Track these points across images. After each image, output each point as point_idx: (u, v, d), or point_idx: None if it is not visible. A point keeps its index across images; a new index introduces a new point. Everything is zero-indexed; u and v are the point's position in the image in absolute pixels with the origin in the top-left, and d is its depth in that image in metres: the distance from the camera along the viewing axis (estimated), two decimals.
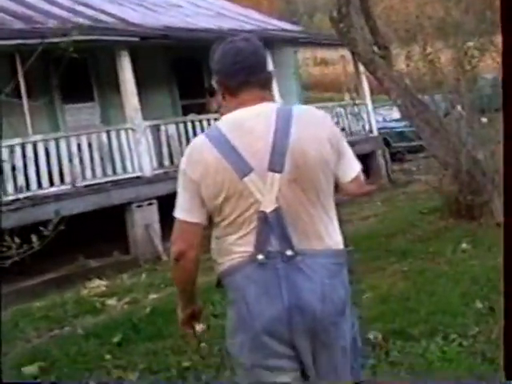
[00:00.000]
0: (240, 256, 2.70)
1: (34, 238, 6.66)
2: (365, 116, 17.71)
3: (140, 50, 13.38)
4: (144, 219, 12.11)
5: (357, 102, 17.58)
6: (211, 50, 2.87)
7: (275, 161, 2.64)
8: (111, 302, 8.29)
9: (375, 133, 18.02)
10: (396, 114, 23.12)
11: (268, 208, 2.66)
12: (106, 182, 11.96)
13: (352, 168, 2.88)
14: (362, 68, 17.71)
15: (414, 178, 17.62)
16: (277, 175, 2.64)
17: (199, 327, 3.32)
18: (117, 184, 12.03)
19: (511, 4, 1.91)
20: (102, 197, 11.75)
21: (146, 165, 12.46)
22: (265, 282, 2.66)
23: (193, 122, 13.50)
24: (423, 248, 8.80)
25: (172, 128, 13.17)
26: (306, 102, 20.28)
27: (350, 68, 32.24)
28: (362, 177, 2.94)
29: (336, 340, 2.75)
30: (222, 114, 2.82)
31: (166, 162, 12.92)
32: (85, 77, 14.19)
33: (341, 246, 2.81)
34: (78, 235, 11.66)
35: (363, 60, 11.14)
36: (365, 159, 17.57)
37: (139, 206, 12.07)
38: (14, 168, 10.76)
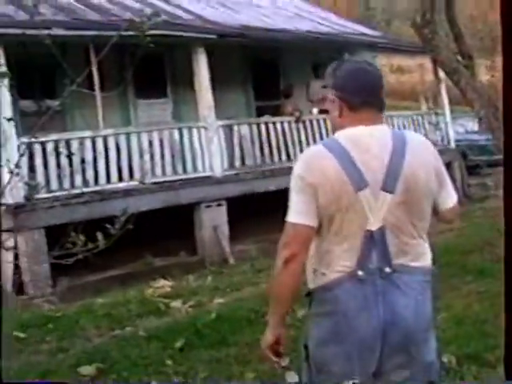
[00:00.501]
0: (342, 270, 2.83)
1: (99, 235, 6.51)
2: (442, 126, 17.18)
3: (216, 48, 13.14)
4: (212, 220, 11.88)
5: (435, 111, 17.08)
6: (331, 66, 3.00)
7: (389, 182, 2.79)
8: (175, 304, 8.04)
9: (452, 144, 17.47)
10: (471, 126, 22.73)
11: (374, 226, 2.80)
12: (176, 181, 11.74)
13: (451, 197, 3.05)
14: (442, 77, 17.37)
15: (492, 194, 17.12)
16: (388, 195, 2.79)
17: (283, 361, 3.11)
18: (186, 183, 11.82)
19: None
20: (171, 195, 11.55)
21: (217, 165, 12.21)
22: (364, 298, 2.81)
23: (266, 124, 13.21)
24: (500, 269, 8.35)
25: (245, 129, 12.90)
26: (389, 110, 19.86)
27: (428, 77, 31.70)
28: (458, 206, 3.12)
29: (426, 355, 2.90)
30: (335, 128, 2.97)
31: (237, 163, 12.65)
32: (159, 72, 14.04)
33: (430, 264, 2.95)
34: (145, 233, 11.46)
35: (446, 69, 10.75)
36: None
37: (208, 207, 11.85)
38: (83, 161, 10.64)
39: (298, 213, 2.81)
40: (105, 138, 10.97)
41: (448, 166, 17.02)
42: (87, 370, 5.71)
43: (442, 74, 17.27)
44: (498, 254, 9.10)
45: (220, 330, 6.57)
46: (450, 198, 3.04)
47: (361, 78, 2.91)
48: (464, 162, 18.15)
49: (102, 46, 10.49)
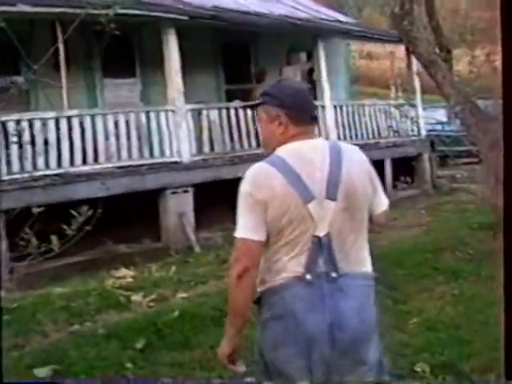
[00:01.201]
0: (290, 275, 2.98)
1: (53, 239, 6.22)
2: (413, 116, 16.96)
3: (187, 30, 12.76)
4: (178, 207, 11.54)
5: (408, 101, 16.86)
6: (272, 86, 3.21)
7: (331, 190, 2.98)
8: (136, 297, 7.72)
9: (423, 135, 17.27)
10: (441, 116, 22.59)
11: (321, 232, 2.98)
12: (142, 165, 11.39)
13: (383, 202, 3.24)
14: (414, 67, 17.15)
15: (460, 187, 17.00)
16: (332, 203, 2.98)
17: (241, 367, 3.21)
18: (152, 168, 11.46)
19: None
20: (136, 180, 11.20)
21: (185, 150, 11.85)
22: (311, 300, 2.96)
23: (236, 109, 12.86)
24: (474, 269, 8.16)
25: (214, 113, 12.55)
26: (354, 96, 19.64)
27: (398, 65, 31.56)
28: (388, 210, 3.28)
29: (371, 355, 3.07)
30: (272, 143, 3.16)
31: (206, 149, 12.30)
32: (128, 52, 13.60)
33: (371, 269, 3.15)
34: (108, 218, 11.11)
35: (424, 61, 10.48)
36: (410, 162, 16.93)
37: (174, 193, 11.50)
38: (46, 142, 10.23)
39: (247, 229, 2.98)
40: (69, 119, 10.56)
41: (418, 156, 16.90)
42: (43, 372, 5.39)
43: (415, 63, 17.14)
44: (471, 254, 8.96)
45: (183, 329, 6.32)
46: (382, 203, 3.24)
47: (305, 96, 3.21)
48: (433, 152, 17.98)
49: (69, 23, 10.11)
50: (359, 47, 38.15)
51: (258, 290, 3.07)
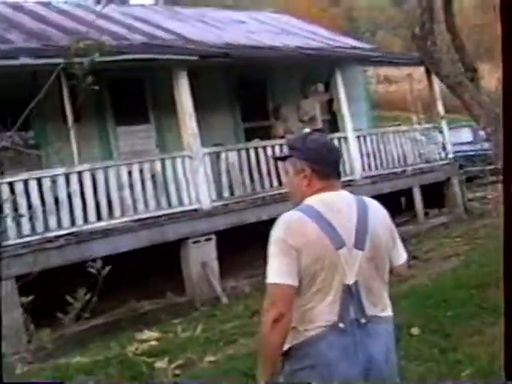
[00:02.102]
0: (324, 325, 3.04)
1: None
2: (439, 140, 16.34)
3: (199, 70, 12.29)
4: (201, 256, 10.95)
5: (432, 125, 16.24)
6: (296, 139, 3.41)
7: (359, 240, 3.12)
8: (161, 364, 7.14)
9: (451, 158, 16.61)
10: (466, 136, 21.95)
11: (350, 280, 3.08)
12: (160, 216, 10.82)
13: (402, 254, 3.41)
14: (436, 88, 16.56)
15: (492, 208, 16.32)
16: (360, 252, 3.11)
17: None
18: (172, 218, 10.89)
19: None
20: (155, 232, 10.63)
21: (204, 196, 11.27)
22: (344, 348, 3.03)
23: (256, 149, 12.30)
24: None
25: (233, 155, 11.97)
26: (375, 122, 19.08)
27: (417, 87, 30.99)
28: (406, 262, 3.46)
29: None
30: (299, 195, 3.28)
31: (226, 194, 11.70)
32: (140, 97, 13.17)
33: (391, 314, 3.29)
34: (129, 274, 10.61)
35: (449, 82, 9.90)
36: (439, 187, 16.30)
37: (196, 242, 10.92)
38: (56, 201, 9.71)
39: (281, 274, 3.01)
40: (80, 174, 10.04)
41: (447, 181, 16.25)
42: None
43: (436, 84, 16.56)
44: None
45: None
46: (401, 255, 3.41)
47: (331, 151, 3.33)
48: (461, 174, 17.32)
49: (74, 73, 9.63)
50: (375, 72, 37.75)
51: (291, 341, 3.08)
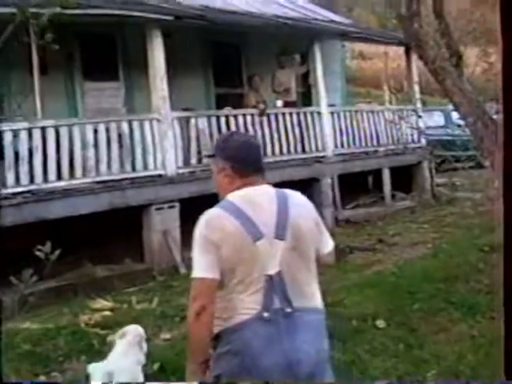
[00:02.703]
0: (247, 313, 3.11)
1: None
2: (413, 122, 16.05)
3: (174, 31, 11.82)
4: (163, 224, 10.57)
5: (407, 106, 15.96)
6: (220, 138, 3.95)
7: (280, 230, 3.21)
8: (112, 338, 6.79)
9: (423, 142, 16.37)
10: (438, 120, 21.73)
11: (272, 270, 3.16)
12: (123, 179, 10.41)
13: (329, 243, 3.50)
14: (414, 69, 16.27)
15: (460, 196, 16.17)
16: (281, 242, 3.20)
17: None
18: (135, 182, 10.49)
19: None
20: (117, 196, 10.22)
21: (170, 162, 10.86)
22: (269, 337, 3.09)
23: (227, 117, 11.92)
24: (492, 303, 7.25)
25: (203, 122, 11.55)
26: (349, 99, 18.78)
27: (391, 65, 30.72)
28: (333, 250, 3.54)
29: (325, 381, 3.27)
30: (222, 191, 3.39)
31: (193, 161, 11.29)
32: (111, 54, 12.64)
33: (321, 304, 3.33)
34: (87, 238, 10.25)
35: (432, 67, 9.60)
36: (409, 170, 16.09)
37: (159, 209, 10.53)
38: (16, 156, 9.27)
39: (202, 269, 3.12)
40: (43, 130, 9.58)
41: (418, 165, 16.04)
42: None
43: (414, 65, 16.27)
44: (486, 284, 8.06)
45: None
46: (328, 244, 3.50)
47: (250, 150, 3.42)
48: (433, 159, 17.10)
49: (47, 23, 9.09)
50: (350, 47, 37.38)
51: (215, 330, 3.17)
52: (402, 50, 16.76)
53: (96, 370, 4.93)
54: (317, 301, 3.31)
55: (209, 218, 3.24)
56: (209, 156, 3.65)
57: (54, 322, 7.64)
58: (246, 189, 3.34)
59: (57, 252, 5.67)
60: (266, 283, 3.16)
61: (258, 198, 3.30)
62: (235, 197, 3.30)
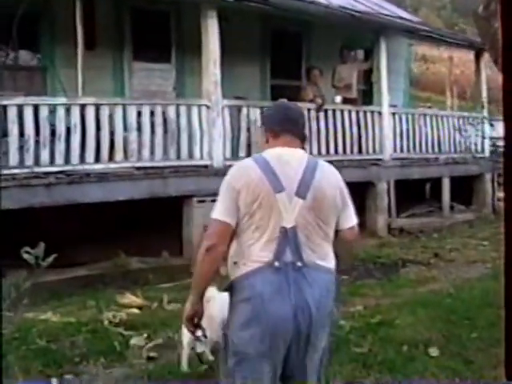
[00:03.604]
0: (260, 261, 3.36)
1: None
2: (479, 130, 15.15)
3: (232, 13, 11.13)
4: (204, 218, 9.81)
5: (473, 114, 15.07)
6: (269, 107, 4.04)
7: (301, 190, 3.43)
8: (137, 341, 6.12)
9: (486, 152, 15.45)
10: (500, 131, 20.73)
11: (288, 224, 3.39)
12: (166, 167, 9.73)
13: (352, 219, 3.64)
14: (484, 76, 15.39)
15: None
16: (300, 200, 3.42)
17: (200, 333, 3.60)
18: (178, 171, 9.81)
19: None
20: (158, 184, 9.56)
21: (218, 153, 10.13)
22: (278, 285, 3.34)
23: None
24: None
25: (256, 113, 10.79)
26: (411, 101, 17.91)
27: (454, 71, 29.69)
28: (357, 229, 3.68)
29: (320, 341, 3.49)
30: (263, 149, 3.63)
31: (242, 153, 10.50)
32: (164, 34, 12.01)
33: (334, 266, 3.53)
34: (123, 226, 9.62)
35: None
36: (470, 181, 15.21)
37: (201, 201, 9.82)
38: (53, 134, 8.64)
39: (220, 212, 3.40)
40: (82, 107, 8.95)
41: (480, 177, 15.19)
42: None
43: (484, 72, 15.39)
44: None
45: None
46: (350, 219, 3.63)
47: (281, 112, 3.73)
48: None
49: None
50: (413, 49, 36.45)
51: (232, 276, 3.43)
52: (466, 56, 15.90)
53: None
54: (329, 262, 3.50)
55: (238, 167, 3.56)
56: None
57: (76, 315, 7.02)
58: (278, 148, 3.59)
59: (50, 258, 5.04)
60: (280, 234, 3.38)
61: (288, 157, 3.53)
62: (268, 153, 3.58)
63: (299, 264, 3.36)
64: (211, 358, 5.14)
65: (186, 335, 5.05)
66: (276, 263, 3.34)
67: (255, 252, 3.36)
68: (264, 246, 3.36)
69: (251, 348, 3.33)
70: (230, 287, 3.43)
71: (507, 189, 2.85)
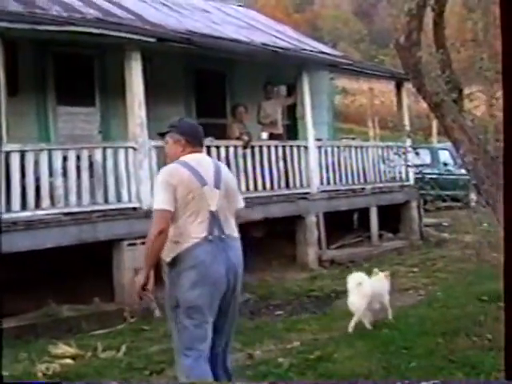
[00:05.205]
0: (197, 237, 4.69)
1: None
2: (402, 159, 15.38)
3: (155, 54, 11.13)
4: (135, 261, 9.69)
5: (395, 143, 15.32)
6: (175, 120, 5.21)
7: (216, 182, 4.88)
8: None
9: (411, 180, 15.72)
10: (424, 158, 21.13)
11: (213, 208, 4.78)
12: (94, 211, 9.60)
13: (241, 201, 5.16)
14: (405, 105, 15.69)
15: (450, 238, 15.54)
16: (217, 190, 4.86)
17: (151, 296, 5.05)
18: (107, 215, 9.70)
19: None
20: (87, 229, 9.42)
21: (146, 194, 9.98)
22: (214, 253, 4.71)
23: (208, 148, 11.17)
24: (496, 361, 6.48)
25: None
26: (334, 134, 18.13)
27: (374, 102, 30.25)
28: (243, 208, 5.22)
29: (239, 291, 5.00)
30: (172, 158, 5.01)
31: None
32: (87, 77, 11.93)
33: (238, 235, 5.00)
34: (52, 274, 9.44)
35: (431, 101, 8.95)
36: (397, 209, 15.43)
37: (131, 245, 9.70)
38: None
39: (163, 203, 4.65)
40: (7, 155, 8.79)
41: (405, 204, 15.43)
42: None
43: (405, 101, 15.70)
44: (490, 339, 7.32)
45: None
46: (241, 202, 5.16)
47: (197, 129, 5.13)
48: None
49: (17, 40, 8.39)
50: (334, 82, 36.95)
51: (172, 254, 4.68)
52: (386, 87, 16.25)
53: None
54: (237, 233, 4.93)
55: (169, 168, 4.84)
56: (164, 133, 5.10)
57: (8, 369, 6.78)
58: (193, 154, 4.94)
59: None
60: (209, 216, 4.74)
61: (201, 160, 4.97)
62: (186, 158, 4.89)
63: (223, 236, 4.76)
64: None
65: None
66: (210, 237, 4.69)
67: (192, 231, 4.65)
68: (198, 226, 4.68)
69: (200, 301, 4.63)
70: (173, 260, 4.66)
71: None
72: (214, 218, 4.72)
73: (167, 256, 4.69)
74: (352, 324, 7.77)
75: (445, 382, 5.58)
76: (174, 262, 4.66)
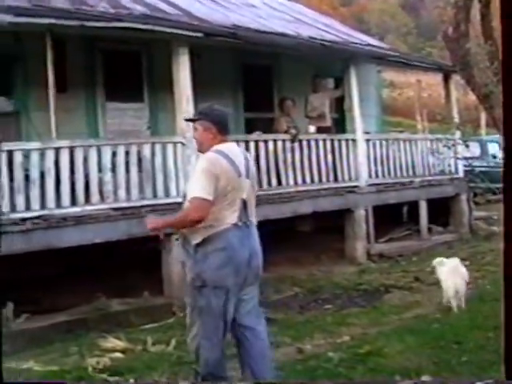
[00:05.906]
0: (229, 223, 4.93)
1: None
2: (451, 152, 15.21)
3: (203, 49, 11.15)
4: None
5: (445, 136, 15.14)
6: (205, 107, 5.30)
7: (247, 172, 5.10)
8: None
9: (461, 173, 15.53)
10: (474, 151, 20.87)
11: (244, 197, 5.01)
12: (143, 206, 9.67)
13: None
14: (454, 98, 15.50)
15: (498, 230, 15.29)
16: (248, 180, 5.09)
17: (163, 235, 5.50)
18: (155, 210, 9.71)
19: None
20: (136, 224, 9.48)
21: None
22: (241, 238, 4.98)
23: (256, 142, 11.17)
24: None
25: None
26: (383, 127, 17.99)
27: (422, 95, 29.89)
28: None
29: (259, 276, 5.24)
30: (205, 145, 5.14)
31: None
32: (136, 73, 11.99)
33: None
34: (102, 268, 9.54)
35: (479, 92, 8.84)
36: (446, 203, 15.25)
37: (179, 239, 9.74)
38: (27, 179, 8.57)
39: (205, 192, 4.84)
40: (57, 151, 8.89)
41: (455, 197, 15.25)
42: None
43: (454, 94, 15.51)
44: None
45: None
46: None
47: (227, 117, 5.27)
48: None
49: (64, 37, 8.50)
50: (381, 75, 36.72)
51: (206, 234, 4.88)
52: (433, 79, 16.03)
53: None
54: (255, 220, 5.14)
55: (211, 158, 4.98)
56: (192, 120, 5.43)
57: (59, 363, 6.89)
58: (225, 144, 5.09)
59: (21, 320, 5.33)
60: (241, 204, 4.97)
61: (234, 150, 5.13)
62: (222, 147, 5.03)
63: (248, 223, 5.01)
64: None
65: None
66: (239, 223, 4.94)
67: (226, 218, 4.90)
68: (232, 214, 4.91)
69: (227, 281, 4.90)
70: (203, 241, 4.86)
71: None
72: (244, 206, 4.96)
73: (197, 238, 4.88)
74: (454, 304, 8.31)
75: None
76: (203, 244, 4.87)
